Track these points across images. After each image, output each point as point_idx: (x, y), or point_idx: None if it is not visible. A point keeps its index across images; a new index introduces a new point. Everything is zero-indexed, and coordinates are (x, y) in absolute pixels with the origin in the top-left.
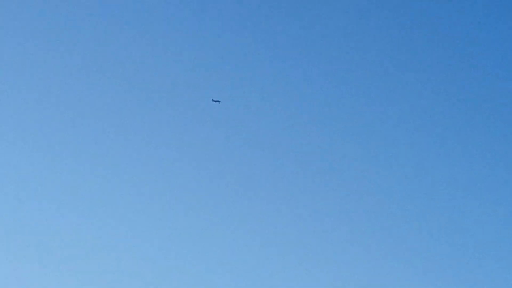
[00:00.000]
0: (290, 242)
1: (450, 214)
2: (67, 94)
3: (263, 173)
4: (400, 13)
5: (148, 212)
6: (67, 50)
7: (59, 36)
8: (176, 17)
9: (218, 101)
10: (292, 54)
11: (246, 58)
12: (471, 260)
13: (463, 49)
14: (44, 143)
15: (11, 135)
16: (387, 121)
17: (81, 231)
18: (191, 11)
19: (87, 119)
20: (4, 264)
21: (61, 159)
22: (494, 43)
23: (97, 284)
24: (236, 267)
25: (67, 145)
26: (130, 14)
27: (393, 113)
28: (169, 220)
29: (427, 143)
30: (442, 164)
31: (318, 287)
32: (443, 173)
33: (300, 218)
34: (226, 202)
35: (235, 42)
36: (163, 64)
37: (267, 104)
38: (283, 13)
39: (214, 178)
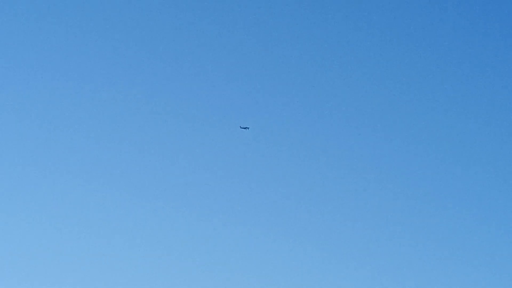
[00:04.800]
0: (290, 242)
1: (450, 216)
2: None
3: (262, 173)
4: (400, 13)
5: (147, 214)
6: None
7: (59, 36)
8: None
9: (247, 128)
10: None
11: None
12: (471, 261)
13: (463, 50)
14: (44, 143)
15: (10, 135)
16: (387, 122)
17: (81, 231)
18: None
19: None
20: (4, 264)
21: (61, 161)
22: (494, 43)
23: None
24: (236, 267)
25: (66, 149)
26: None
27: (392, 114)
28: (168, 221)
29: (426, 144)
30: (442, 165)
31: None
32: (442, 174)
33: (300, 219)
34: (226, 202)
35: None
36: (165, 65)
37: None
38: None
39: (214, 178)
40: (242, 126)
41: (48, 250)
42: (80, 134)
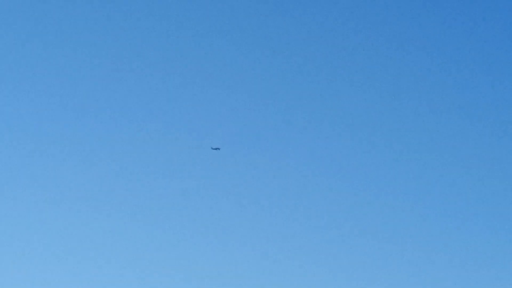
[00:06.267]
0: (289, 243)
1: (450, 215)
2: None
3: (262, 174)
4: (400, 13)
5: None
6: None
7: (59, 37)
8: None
9: (217, 149)
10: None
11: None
12: (471, 261)
13: (463, 49)
14: (44, 143)
15: (11, 135)
16: (387, 122)
17: (80, 231)
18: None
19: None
20: (4, 264)
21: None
22: (494, 43)
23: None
24: (236, 267)
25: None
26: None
27: (392, 113)
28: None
29: (427, 144)
30: (442, 165)
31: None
32: (442, 174)
33: (300, 219)
34: (226, 203)
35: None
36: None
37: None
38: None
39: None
40: (213, 147)
41: (48, 250)
42: (78, 134)
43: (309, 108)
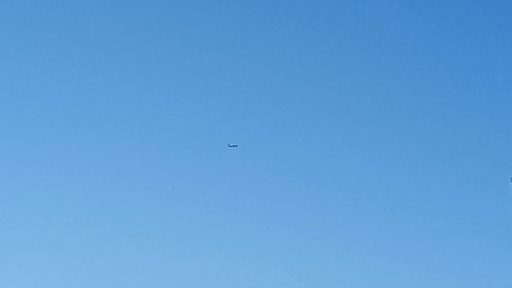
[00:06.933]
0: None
1: (450, 215)
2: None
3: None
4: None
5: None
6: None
7: (59, 38)
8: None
9: (235, 146)
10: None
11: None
12: (470, 260)
13: (463, 50)
14: (45, 143)
15: (11, 135)
16: (387, 122)
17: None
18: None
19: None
20: (4, 264)
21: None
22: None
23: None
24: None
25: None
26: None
27: (393, 114)
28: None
29: (427, 144)
30: (442, 164)
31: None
32: (442, 174)
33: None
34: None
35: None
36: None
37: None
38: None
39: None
40: (230, 144)
41: (48, 250)
42: (80, 134)
43: (316, 112)
